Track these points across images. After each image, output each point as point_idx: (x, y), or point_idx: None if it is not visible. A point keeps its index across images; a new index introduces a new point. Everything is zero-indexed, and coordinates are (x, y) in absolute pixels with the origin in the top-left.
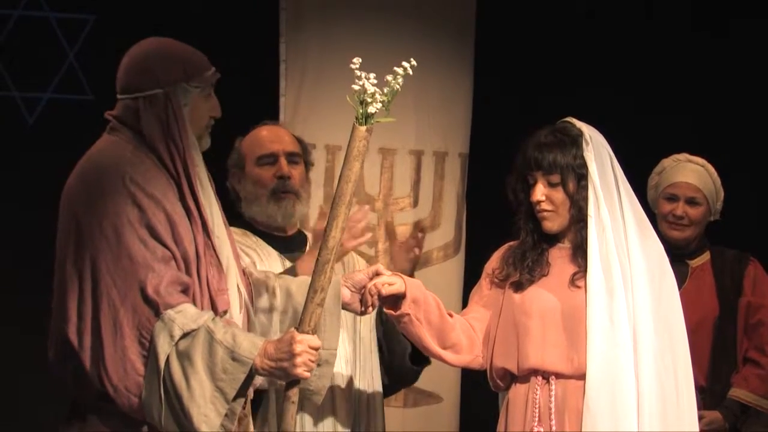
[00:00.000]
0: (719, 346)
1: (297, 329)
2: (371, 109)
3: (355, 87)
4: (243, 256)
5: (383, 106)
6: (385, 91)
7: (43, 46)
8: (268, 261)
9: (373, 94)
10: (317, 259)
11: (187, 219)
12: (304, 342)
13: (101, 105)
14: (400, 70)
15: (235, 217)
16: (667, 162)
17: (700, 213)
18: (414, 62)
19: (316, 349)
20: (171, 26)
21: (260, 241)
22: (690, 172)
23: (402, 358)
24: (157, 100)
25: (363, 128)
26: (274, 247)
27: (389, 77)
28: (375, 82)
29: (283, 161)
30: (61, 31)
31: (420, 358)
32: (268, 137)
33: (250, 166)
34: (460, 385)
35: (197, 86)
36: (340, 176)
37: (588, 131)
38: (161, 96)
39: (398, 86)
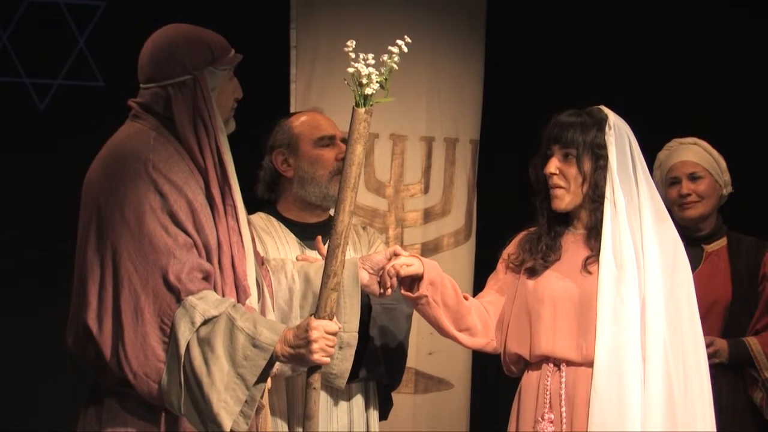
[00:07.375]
0: (729, 331)
1: (314, 315)
2: (368, 91)
3: (350, 70)
4: (258, 242)
5: (381, 86)
6: (382, 71)
7: (53, 33)
8: (285, 248)
9: (369, 75)
10: (328, 245)
11: (208, 207)
12: (320, 328)
13: (112, 91)
14: (395, 49)
15: (254, 202)
16: (661, 154)
17: (706, 185)
18: (408, 39)
19: (334, 334)
20: (181, 12)
21: (281, 227)
22: (683, 152)
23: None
24: (186, 86)
25: (362, 110)
26: (296, 235)
27: (385, 57)
28: (373, 62)
29: (342, 145)
30: (71, 17)
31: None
32: (326, 121)
33: (306, 146)
34: (470, 372)
35: (223, 69)
36: (344, 160)
37: (614, 118)
38: (190, 82)
39: (395, 65)
